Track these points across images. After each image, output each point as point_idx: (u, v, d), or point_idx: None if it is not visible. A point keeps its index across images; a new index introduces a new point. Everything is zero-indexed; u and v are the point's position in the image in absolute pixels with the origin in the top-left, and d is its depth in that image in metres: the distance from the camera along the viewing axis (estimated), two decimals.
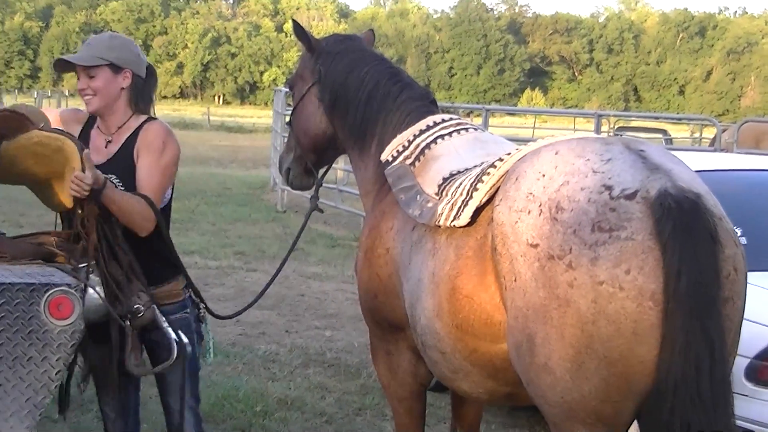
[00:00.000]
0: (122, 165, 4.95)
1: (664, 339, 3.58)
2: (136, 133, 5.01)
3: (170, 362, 4.77)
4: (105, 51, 4.98)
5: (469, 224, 4.30)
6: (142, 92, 5.11)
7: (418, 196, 4.74)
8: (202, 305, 5.27)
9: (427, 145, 5.01)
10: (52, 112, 5.19)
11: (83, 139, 4.97)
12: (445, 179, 4.70)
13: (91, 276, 4.55)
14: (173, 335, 4.75)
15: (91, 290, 4.49)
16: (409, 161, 5.00)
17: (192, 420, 5.20)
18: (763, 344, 5.21)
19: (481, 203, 4.25)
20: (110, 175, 4.82)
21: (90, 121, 5.13)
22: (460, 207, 4.34)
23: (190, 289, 5.20)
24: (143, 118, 5.06)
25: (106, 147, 5.02)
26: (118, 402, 5.23)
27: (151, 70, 5.21)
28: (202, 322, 5.27)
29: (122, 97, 5.02)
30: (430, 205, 4.61)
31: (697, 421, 3.57)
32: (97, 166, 4.70)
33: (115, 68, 4.97)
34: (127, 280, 4.67)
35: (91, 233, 4.61)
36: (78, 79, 5.01)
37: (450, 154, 4.91)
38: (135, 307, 4.66)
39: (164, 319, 4.77)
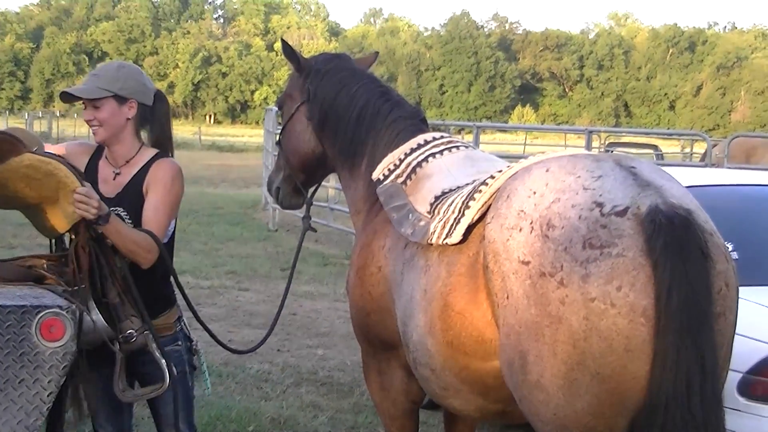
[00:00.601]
0: (131, 199, 4.97)
1: (655, 355, 3.58)
2: (146, 168, 5.02)
3: (157, 387, 4.75)
4: (110, 82, 4.98)
5: (461, 242, 4.30)
6: (150, 120, 5.13)
7: (410, 215, 4.74)
8: (195, 339, 5.25)
9: (419, 164, 5.02)
10: (59, 148, 5.18)
11: (90, 170, 5.01)
12: (437, 197, 4.71)
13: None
14: (164, 362, 4.74)
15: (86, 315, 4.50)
16: (400, 180, 5.01)
17: None
18: (756, 359, 5.20)
19: (473, 221, 4.26)
20: (118, 209, 4.86)
21: (97, 152, 5.14)
22: (452, 225, 4.34)
23: (182, 322, 5.20)
24: (152, 152, 5.08)
25: (114, 179, 5.04)
26: (113, 425, 5.22)
27: (159, 96, 5.19)
28: (194, 354, 5.25)
29: (128, 127, 5.03)
30: (422, 223, 4.61)
31: None
32: (107, 199, 4.75)
33: (120, 99, 4.97)
34: (121, 302, 4.67)
35: (83, 259, 4.61)
36: (84, 109, 5.03)
37: (441, 173, 4.92)
38: (128, 332, 4.67)
39: (156, 346, 4.75)
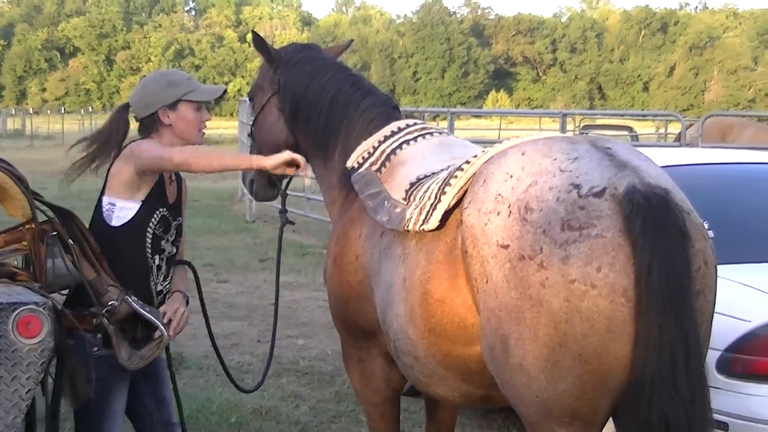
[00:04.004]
0: (180, 208, 5.24)
1: (638, 334, 3.60)
2: (179, 184, 5.27)
3: (158, 341, 4.85)
4: None
5: (439, 228, 4.29)
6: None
7: (386, 202, 4.73)
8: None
9: (393, 151, 5.01)
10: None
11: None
12: (412, 184, 4.70)
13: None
14: (151, 317, 4.82)
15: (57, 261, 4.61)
16: (375, 167, 4.99)
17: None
18: (734, 337, 5.23)
19: (450, 206, 4.25)
20: (179, 218, 5.21)
21: None
22: (428, 211, 4.33)
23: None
24: None
25: (170, 184, 5.21)
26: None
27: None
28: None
29: None
30: (398, 210, 4.60)
31: (675, 414, 3.58)
32: (170, 205, 5.09)
33: None
34: (97, 275, 4.68)
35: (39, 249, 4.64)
36: (199, 110, 5.16)
37: (416, 159, 4.91)
38: (110, 303, 4.68)
39: (140, 304, 4.79)
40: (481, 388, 4.40)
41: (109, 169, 5.01)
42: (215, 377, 8.91)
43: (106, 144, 5.07)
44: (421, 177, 4.72)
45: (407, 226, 4.46)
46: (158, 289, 5.12)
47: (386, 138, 5.11)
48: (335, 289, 5.18)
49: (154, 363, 5.12)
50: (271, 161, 4.85)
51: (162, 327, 4.80)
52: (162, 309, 5.02)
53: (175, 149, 4.85)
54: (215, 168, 4.96)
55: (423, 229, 4.35)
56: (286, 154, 4.87)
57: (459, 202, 4.22)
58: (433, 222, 4.29)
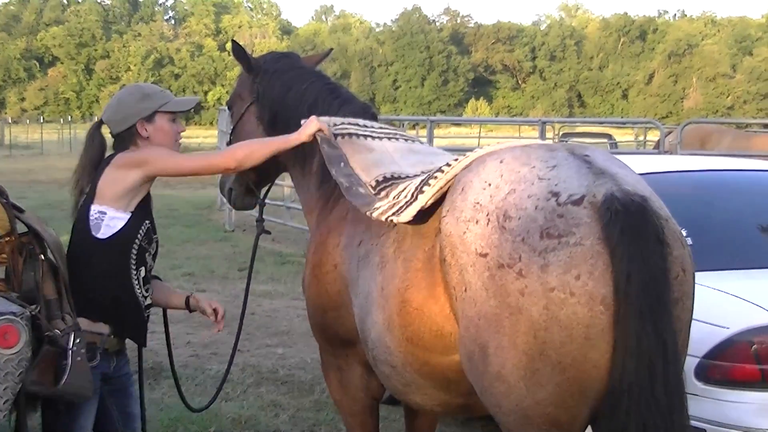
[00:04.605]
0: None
1: (616, 342, 3.59)
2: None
3: (65, 381, 4.57)
4: None
5: (413, 224, 4.30)
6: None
7: (359, 188, 4.71)
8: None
9: (359, 135, 5.05)
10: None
11: None
12: (386, 179, 4.70)
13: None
14: (69, 361, 4.58)
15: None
16: (340, 135, 5.03)
17: None
18: (712, 343, 5.23)
19: (426, 205, 4.23)
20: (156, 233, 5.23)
21: None
22: (402, 206, 4.32)
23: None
24: None
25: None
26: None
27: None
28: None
29: None
30: (363, 191, 4.63)
31: (653, 422, 3.59)
32: (151, 219, 5.15)
33: None
34: (58, 298, 4.64)
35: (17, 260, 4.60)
36: (175, 121, 5.16)
37: (384, 153, 4.95)
38: (54, 331, 4.56)
39: (74, 350, 4.61)
40: (459, 397, 4.40)
41: (96, 179, 4.96)
42: (194, 387, 8.89)
43: (86, 170, 5.05)
44: (396, 176, 4.72)
45: (372, 213, 4.47)
46: (146, 303, 5.10)
47: (351, 124, 5.16)
48: (314, 298, 5.18)
49: (123, 379, 5.11)
50: (305, 133, 4.99)
51: (68, 370, 4.57)
52: (207, 305, 5.49)
53: (217, 154, 5.06)
54: (265, 157, 5.02)
55: (391, 221, 4.35)
56: (314, 125, 4.98)
57: (436, 204, 4.23)
58: (406, 216, 4.28)
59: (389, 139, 5.12)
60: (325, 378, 5.44)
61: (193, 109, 5.25)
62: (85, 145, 5.13)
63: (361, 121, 5.22)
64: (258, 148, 4.97)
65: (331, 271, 5.02)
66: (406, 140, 5.22)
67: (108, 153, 5.09)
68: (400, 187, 4.56)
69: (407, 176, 4.70)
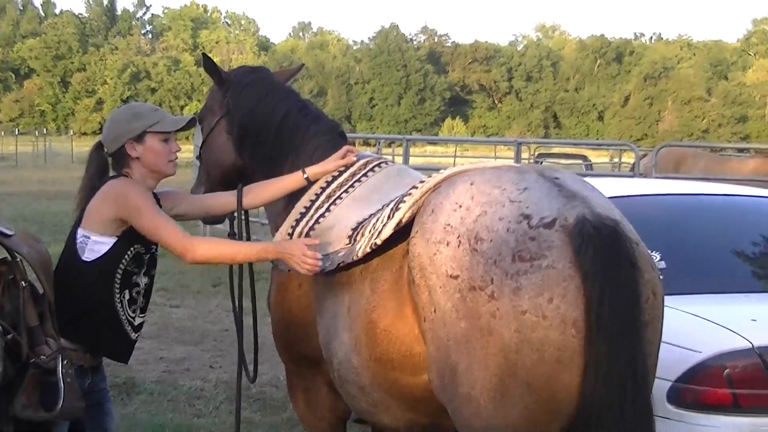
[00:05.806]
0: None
1: (587, 365, 3.62)
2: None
3: (62, 405, 4.55)
4: None
5: (384, 250, 4.30)
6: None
7: (339, 254, 4.66)
8: None
9: (317, 220, 4.97)
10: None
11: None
12: (358, 223, 4.67)
13: None
14: (62, 388, 4.56)
15: None
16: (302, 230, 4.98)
17: None
18: (685, 367, 5.24)
19: (404, 220, 4.25)
20: (153, 249, 5.11)
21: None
22: (380, 229, 4.33)
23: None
24: None
25: None
26: None
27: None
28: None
29: None
30: (344, 252, 4.58)
31: None
32: (143, 242, 4.96)
33: None
34: (40, 323, 4.59)
35: None
36: (168, 141, 5.11)
37: (348, 210, 4.87)
38: (40, 357, 4.52)
39: (63, 372, 4.60)
40: (428, 417, 4.40)
41: (87, 202, 4.94)
42: (167, 402, 8.86)
43: (85, 190, 5.03)
44: (366, 217, 4.70)
45: (357, 256, 4.45)
46: (136, 323, 5.06)
47: (312, 203, 5.08)
48: (278, 316, 5.20)
49: (98, 395, 5.08)
50: (274, 251, 4.80)
51: (60, 401, 4.55)
52: (333, 164, 5.14)
53: (186, 239, 4.84)
54: (225, 262, 5.13)
55: (375, 243, 4.34)
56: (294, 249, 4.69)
57: (407, 226, 4.24)
58: (386, 233, 4.30)
59: (352, 186, 5.03)
60: (291, 398, 5.45)
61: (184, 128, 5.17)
62: (86, 166, 5.10)
63: (323, 182, 5.14)
64: (224, 252, 4.93)
65: (296, 290, 5.03)
66: (373, 171, 5.14)
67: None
68: (374, 219, 4.55)
69: (371, 214, 4.67)
